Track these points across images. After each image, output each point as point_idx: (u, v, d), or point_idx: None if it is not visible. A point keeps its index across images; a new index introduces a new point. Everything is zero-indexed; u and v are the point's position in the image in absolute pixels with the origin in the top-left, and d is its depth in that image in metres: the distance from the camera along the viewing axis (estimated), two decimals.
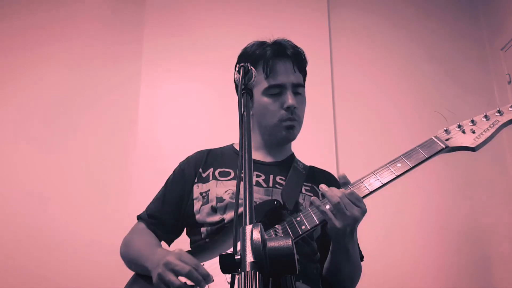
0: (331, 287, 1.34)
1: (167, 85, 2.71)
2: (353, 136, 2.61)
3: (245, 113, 0.99)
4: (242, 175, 0.81)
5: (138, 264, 1.32)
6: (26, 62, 2.76)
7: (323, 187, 1.20)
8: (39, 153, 2.56)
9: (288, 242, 0.64)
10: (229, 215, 1.31)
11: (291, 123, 1.39)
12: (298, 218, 1.22)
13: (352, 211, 1.14)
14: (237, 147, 1.52)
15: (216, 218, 1.32)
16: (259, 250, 0.63)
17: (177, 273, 1.11)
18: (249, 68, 1.14)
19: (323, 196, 1.20)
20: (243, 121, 0.96)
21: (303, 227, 1.21)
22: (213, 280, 1.13)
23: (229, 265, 0.66)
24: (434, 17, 2.96)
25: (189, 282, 1.12)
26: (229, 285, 1.12)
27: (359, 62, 2.82)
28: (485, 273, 2.44)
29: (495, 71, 2.77)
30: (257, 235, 0.64)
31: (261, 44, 1.45)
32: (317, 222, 1.20)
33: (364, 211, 1.16)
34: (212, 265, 1.21)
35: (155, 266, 1.17)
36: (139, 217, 1.49)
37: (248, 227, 0.67)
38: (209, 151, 1.53)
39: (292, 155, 1.55)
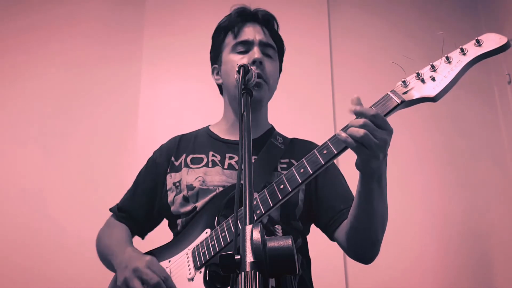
0: (358, 245, 1.23)
1: (167, 85, 2.70)
2: None
3: (245, 113, 0.99)
4: (242, 175, 0.81)
5: (106, 260, 1.30)
6: (26, 62, 2.75)
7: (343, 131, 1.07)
8: (39, 153, 2.56)
9: (288, 242, 0.64)
10: (201, 203, 1.27)
11: (258, 80, 1.26)
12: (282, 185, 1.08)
13: (381, 136, 1.01)
14: (213, 130, 1.49)
15: (188, 207, 1.30)
16: (259, 250, 0.63)
17: (144, 282, 1.08)
18: (249, 68, 1.15)
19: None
20: (242, 121, 0.96)
21: (282, 186, 1.07)
22: None
23: (229, 265, 0.66)
24: (433, 17, 2.95)
25: None
26: (189, 281, 1.12)
27: (359, 62, 2.81)
28: (485, 273, 2.44)
29: (495, 71, 2.76)
30: (257, 235, 0.64)
31: (234, 13, 1.43)
32: (300, 181, 1.06)
33: (391, 132, 1.04)
34: (177, 260, 1.19)
35: (122, 268, 1.14)
36: (111, 210, 1.48)
37: (248, 227, 0.67)
38: (181, 137, 1.50)
39: (271, 129, 1.47)
